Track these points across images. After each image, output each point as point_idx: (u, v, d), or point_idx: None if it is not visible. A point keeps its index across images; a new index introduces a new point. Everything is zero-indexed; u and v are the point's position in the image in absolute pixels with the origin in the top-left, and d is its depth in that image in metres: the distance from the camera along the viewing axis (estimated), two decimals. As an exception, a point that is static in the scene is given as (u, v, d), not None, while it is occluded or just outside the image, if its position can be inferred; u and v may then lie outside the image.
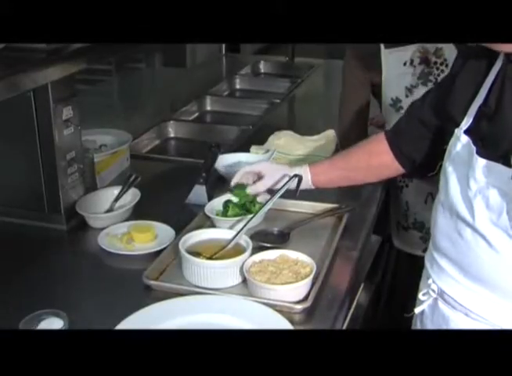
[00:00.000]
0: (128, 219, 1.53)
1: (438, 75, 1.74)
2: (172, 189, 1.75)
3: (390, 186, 1.95)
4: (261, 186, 1.49)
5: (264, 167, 1.52)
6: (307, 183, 1.49)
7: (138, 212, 1.57)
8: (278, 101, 2.57)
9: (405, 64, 1.75)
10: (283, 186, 1.44)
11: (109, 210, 1.57)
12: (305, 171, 1.49)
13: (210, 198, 1.61)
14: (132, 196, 1.60)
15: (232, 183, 1.52)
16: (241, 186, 1.51)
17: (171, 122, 2.29)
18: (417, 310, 1.26)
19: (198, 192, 1.63)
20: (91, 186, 1.64)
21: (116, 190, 1.62)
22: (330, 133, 2.00)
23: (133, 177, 1.63)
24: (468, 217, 1.07)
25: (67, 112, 1.46)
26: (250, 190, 1.49)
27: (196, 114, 2.53)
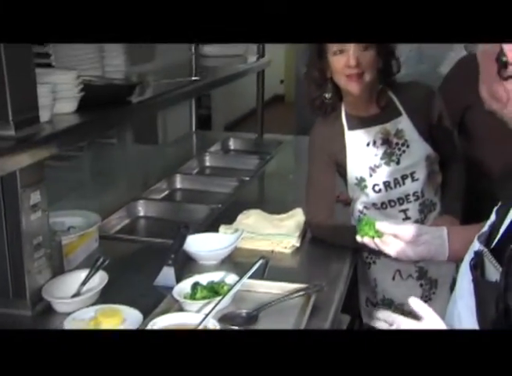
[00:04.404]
0: (95, 303, 1.52)
1: (400, 155, 1.80)
2: (141, 270, 1.74)
3: (358, 263, 1.97)
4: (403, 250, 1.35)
5: (401, 229, 1.37)
6: (443, 255, 1.33)
7: (106, 295, 1.56)
8: (247, 178, 2.61)
9: (368, 145, 1.81)
10: (251, 268, 1.45)
11: (77, 294, 1.55)
12: (443, 239, 1.32)
13: (178, 280, 1.61)
14: (100, 279, 1.59)
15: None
16: (370, 220, 1.41)
17: (141, 201, 2.30)
18: None
19: (166, 274, 1.63)
20: (58, 270, 1.62)
21: (83, 273, 1.61)
22: (298, 211, 2.03)
23: (101, 260, 1.62)
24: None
25: (35, 197, 1.46)
26: (394, 256, 1.36)
27: (167, 192, 2.55)
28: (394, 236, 1.35)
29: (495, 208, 1.05)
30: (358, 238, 1.40)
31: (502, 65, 0.89)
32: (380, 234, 1.37)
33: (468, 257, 1.05)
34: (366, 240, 1.38)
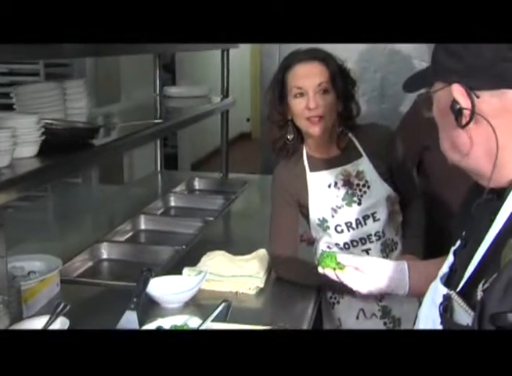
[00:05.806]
0: (55, 350, 1.49)
1: (361, 196, 1.82)
2: (103, 314, 1.71)
3: (322, 303, 1.97)
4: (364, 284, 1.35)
5: (362, 262, 1.36)
6: (403, 289, 1.32)
7: (67, 342, 1.53)
8: (211, 219, 2.61)
9: (329, 186, 1.84)
10: (214, 311, 1.45)
11: (36, 341, 1.52)
12: (404, 273, 1.32)
13: (141, 324, 1.59)
14: (60, 325, 1.55)
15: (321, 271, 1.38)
16: (331, 254, 1.39)
17: (105, 243, 2.28)
18: None
19: (129, 318, 1.61)
20: (17, 317, 1.59)
21: (43, 320, 1.57)
22: (262, 252, 2.03)
23: (62, 305, 1.59)
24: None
25: (-7, 243, 1.45)
26: (355, 289, 1.35)
27: (131, 233, 2.53)
28: (355, 269, 1.35)
29: (453, 249, 1.07)
30: (320, 270, 1.38)
31: (458, 113, 0.91)
32: (341, 266, 1.36)
33: (429, 296, 1.06)
34: (328, 271, 1.37)
